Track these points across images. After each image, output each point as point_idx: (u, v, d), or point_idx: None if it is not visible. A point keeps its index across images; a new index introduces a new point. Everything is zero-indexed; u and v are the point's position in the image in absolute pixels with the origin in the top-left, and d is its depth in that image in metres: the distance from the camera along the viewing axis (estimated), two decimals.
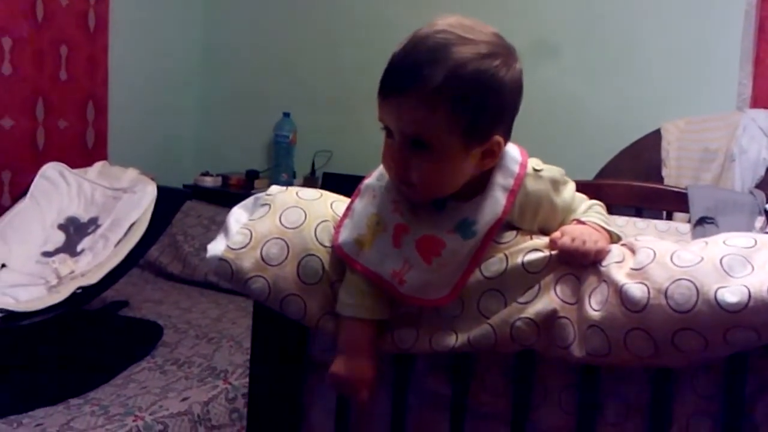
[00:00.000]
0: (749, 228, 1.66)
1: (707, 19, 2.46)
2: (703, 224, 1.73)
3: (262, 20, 3.31)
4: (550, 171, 0.93)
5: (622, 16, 2.60)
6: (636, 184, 1.92)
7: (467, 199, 0.91)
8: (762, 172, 2.30)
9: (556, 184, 0.92)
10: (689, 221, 1.77)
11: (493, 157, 0.89)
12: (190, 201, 2.60)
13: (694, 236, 1.65)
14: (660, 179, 2.40)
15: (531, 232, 0.91)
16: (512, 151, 0.93)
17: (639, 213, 1.82)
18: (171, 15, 3.28)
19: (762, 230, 1.62)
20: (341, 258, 0.93)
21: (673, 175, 2.41)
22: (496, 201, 0.90)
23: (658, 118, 2.44)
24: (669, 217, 1.91)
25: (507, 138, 0.90)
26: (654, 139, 2.46)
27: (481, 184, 0.91)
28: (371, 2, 3.05)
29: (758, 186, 2.25)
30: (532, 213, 0.92)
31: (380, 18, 2.96)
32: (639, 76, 2.59)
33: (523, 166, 0.92)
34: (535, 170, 0.92)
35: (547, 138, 2.39)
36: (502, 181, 0.91)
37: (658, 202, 1.90)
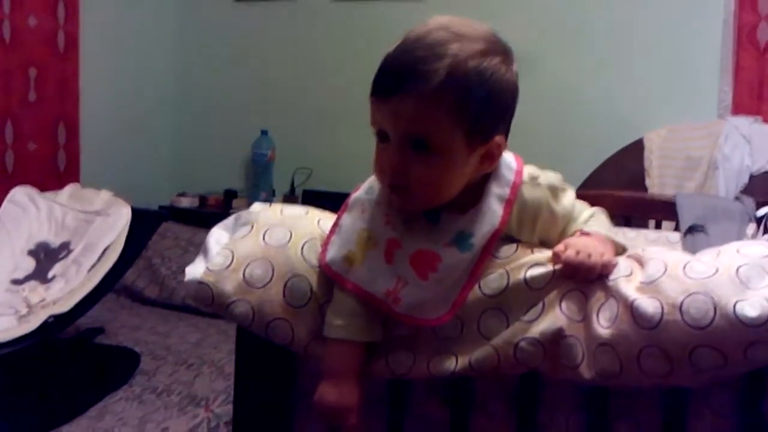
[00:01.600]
0: (740, 235, 1.63)
1: (686, 29, 2.47)
2: (693, 233, 1.71)
3: (238, 37, 3.26)
4: (548, 178, 0.89)
5: (601, 27, 2.60)
6: (623, 193, 1.89)
7: (463, 211, 0.86)
8: (746, 179, 2.29)
9: (555, 191, 0.88)
10: (675, 229, 1.75)
11: (492, 160, 0.85)
12: (166, 222, 2.54)
13: (685, 245, 1.62)
14: (644, 189, 2.39)
15: (532, 245, 0.86)
16: (507, 158, 0.89)
17: (627, 223, 1.79)
18: (143, 34, 3.22)
19: (754, 238, 1.60)
20: (330, 277, 0.88)
21: (656, 184, 2.40)
22: (493, 212, 0.85)
23: (640, 127, 2.44)
24: (657, 227, 1.88)
25: (506, 140, 0.86)
26: (636, 148, 2.45)
27: (476, 195, 0.86)
28: (350, 16, 3.02)
29: (742, 193, 2.24)
30: (530, 223, 0.87)
31: (359, 32, 2.93)
32: (620, 86, 2.58)
33: (519, 173, 0.88)
34: (532, 177, 0.88)
35: (529, 150, 2.35)
36: (497, 190, 0.86)
37: (647, 211, 1.87)
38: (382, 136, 0.84)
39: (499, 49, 0.83)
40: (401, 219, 0.87)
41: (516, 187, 0.86)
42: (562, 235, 0.89)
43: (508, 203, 0.86)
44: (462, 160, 0.82)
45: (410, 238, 0.86)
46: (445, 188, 0.84)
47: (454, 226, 0.85)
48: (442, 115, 0.79)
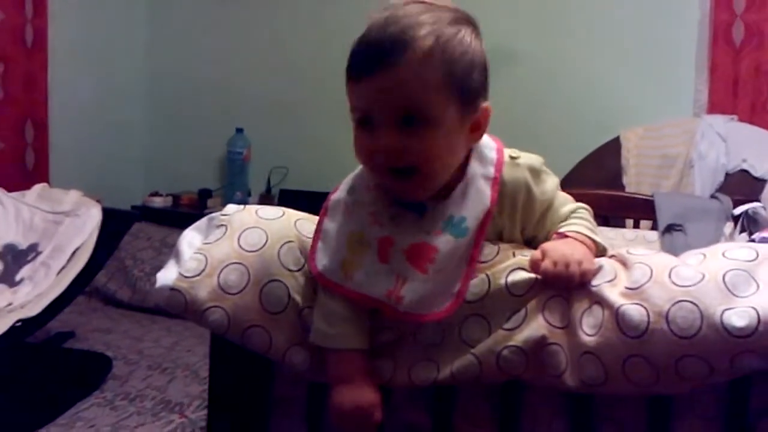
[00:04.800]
0: (718, 234, 1.64)
1: (662, 28, 2.48)
2: (672, 231, 1.71)
3: (211, 33, 3.20)
4: (528, 158, 0.86)
5: (577, 26, 2.60)
6: (602, 192, 1.88)
7: (446, 196, 0.83)
8: (722, 178, 2.30)
9: (535, 173, 0.85)
10: (653, 228, 1.74)
11: (479, 129, 0.83)
12: (139, 223, 2.48)
13: (663, 244, 1.62)
14: (621, 187, 2.39)
15: (512, 247, 0.83)
16: (485, 138, 0.86)
17: (606, 222, 1.79)
18: (113, 29, 3.15)
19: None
20: (325, 287, 0.84)
21: (633, 183, 2.41)
22: (480, 192, 0.83)
23: (617, 126, 2.44)
24: (636, 226, 1.88)
25: None
26: (613, 147, 2.45)
27: (456, 178, 0.84)
28: (323, 12, 2.98)
29: (718, 191, 2.26)
30: (510, 206, 0.85)
31: (333, 27, 2.89)
32: (596, 85, 2.59)
33: (500, 151, 0.86)
34: (512, 158, 0.85)
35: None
36: (481, 170, 0.84)
37: (625, 209, 1.87)
38: (364, 121, 0.80)
39: (468, 18, 0.82)
40: (388, 215, 0.84)
41: (500, 165, 0.84)
42: (540, 223, 0.87)
43: (495, 181, 0.83)
44: (457, 130, 0.80)
45: (401, 233, 0.83)
46: (447, 163, 0.81)
47: (441, 213, 0.82)
48: (435, 83, 0.77)
